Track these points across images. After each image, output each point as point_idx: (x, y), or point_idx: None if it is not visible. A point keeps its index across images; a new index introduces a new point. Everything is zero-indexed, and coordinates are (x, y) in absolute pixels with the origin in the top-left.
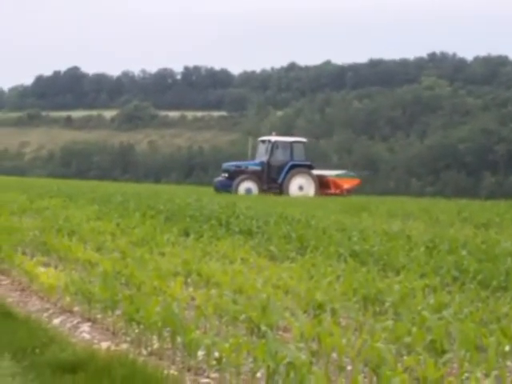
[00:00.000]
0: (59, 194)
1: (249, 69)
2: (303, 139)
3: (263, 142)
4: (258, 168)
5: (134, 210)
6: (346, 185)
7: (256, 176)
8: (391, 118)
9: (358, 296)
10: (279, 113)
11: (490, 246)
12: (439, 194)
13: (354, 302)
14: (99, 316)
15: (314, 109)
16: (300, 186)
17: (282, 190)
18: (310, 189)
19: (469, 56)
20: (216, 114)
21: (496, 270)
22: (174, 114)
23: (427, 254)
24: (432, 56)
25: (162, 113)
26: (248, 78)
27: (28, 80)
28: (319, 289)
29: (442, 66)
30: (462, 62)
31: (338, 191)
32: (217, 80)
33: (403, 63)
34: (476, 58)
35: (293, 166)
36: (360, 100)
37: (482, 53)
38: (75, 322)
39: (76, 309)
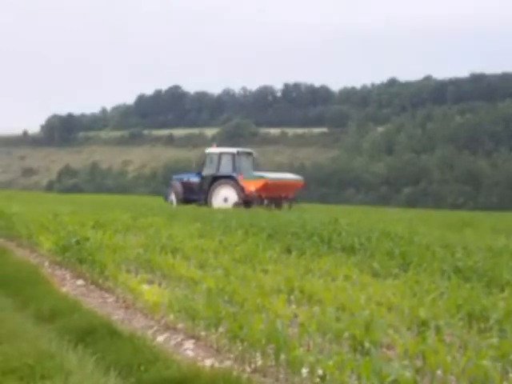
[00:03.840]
0: (162, 211)
1: (349, 85)
2: (232, 150)
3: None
4: (196, 180)
5: (236, 228)
6: (252, 187)
7: (178, 188)
8: (494, 132)
9: (462, 313)
10: (380, 129)
11: None
12: None
13: (459, 319)
14: (203, 333)
15: (415, 124)
16: (225, 197)
17: (207, 201)
18: (232, 200)
19: None
20: (316, 130)
21: None
22: (274, 131)
23: None
24: None
25: (263, 130)
26: (348, 94)
27: (130, 99)
28: (423, 305)
29: None
30: None
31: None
32: (317, 96)
33: (505, 77)
34: None
35: (216, 178)
36: (462, 115)
37: None
38: (179, 339)
39: (180, 326)
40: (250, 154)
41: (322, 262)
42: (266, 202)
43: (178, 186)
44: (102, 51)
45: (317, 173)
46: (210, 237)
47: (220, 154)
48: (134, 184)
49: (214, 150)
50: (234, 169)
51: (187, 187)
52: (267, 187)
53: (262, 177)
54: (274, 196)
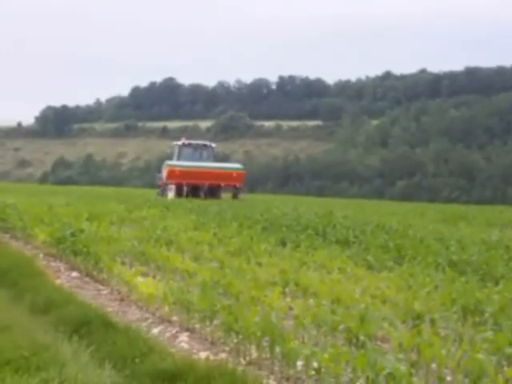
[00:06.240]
0: (157, 204)
1: (344, 78)
2: (178, 142)
3: None
4: None
5: (230, 220)
6: (165, 175)
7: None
8: (488, 126)
9: (456, 306)
10: (374, 122)
11: None
12: None
13: (453, 313)
14: (198, 325)
15: (409, 117)
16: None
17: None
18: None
19: None
20: (311, 123)
21: None
22: (269, 124)
23: None
24: None
25: (258, 123)
26: (343, 87)
27: (125, 91)
28: (417, 299)
29: None
30: None
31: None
32: (312, 89)
33: (500, 70)
34: None
35: None
36: (456, 108)
37: None
38: (174, 331)
39: (175, 318)
40: (204, 145)
41: (316, 254)
42: (185, 189)
43: (158, 178)
44: (97, 43)
45: (311, 165)
46: (205, 229)
47: (174, 146)
48: (129, 176)
49: (175, 142)
50: (179, 159)
51: None
52: (175, 175)
53: (168, 165)
54: (199, 183)
